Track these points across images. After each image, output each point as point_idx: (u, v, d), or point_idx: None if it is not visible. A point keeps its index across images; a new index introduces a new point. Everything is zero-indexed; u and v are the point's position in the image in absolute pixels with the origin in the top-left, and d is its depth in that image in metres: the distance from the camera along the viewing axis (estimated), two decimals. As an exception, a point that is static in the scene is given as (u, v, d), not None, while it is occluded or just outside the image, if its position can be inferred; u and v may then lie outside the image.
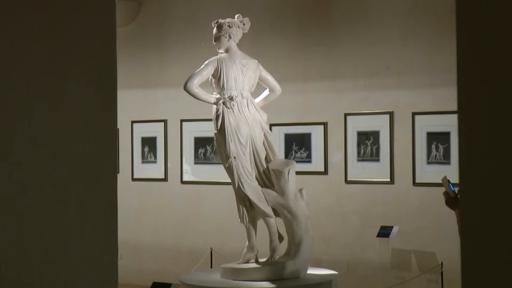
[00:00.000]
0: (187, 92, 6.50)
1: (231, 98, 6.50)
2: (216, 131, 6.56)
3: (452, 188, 4.27)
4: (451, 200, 4.27)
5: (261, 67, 6.79)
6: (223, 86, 6.54)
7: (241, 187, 6.43)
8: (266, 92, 6.91)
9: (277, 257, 6.55)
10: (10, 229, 1.68)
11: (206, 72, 6.55)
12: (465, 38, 1.56)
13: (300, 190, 6.60)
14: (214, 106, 6.57)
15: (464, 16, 1.56)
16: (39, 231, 1.74)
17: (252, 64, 6.73)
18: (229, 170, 6.47)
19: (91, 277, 1.85)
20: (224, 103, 6.50)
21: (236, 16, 6.76)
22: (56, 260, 1.78)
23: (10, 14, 1.68)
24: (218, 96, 6.56)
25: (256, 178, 6.56)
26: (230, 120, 6.48)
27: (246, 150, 6.50)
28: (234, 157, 6.43)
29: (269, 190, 6.51)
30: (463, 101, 1.57)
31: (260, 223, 6.68)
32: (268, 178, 6.60)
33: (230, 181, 6.68)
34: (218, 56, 6.67)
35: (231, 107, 6.49)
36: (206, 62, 6.60)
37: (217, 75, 6.57)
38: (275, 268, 6.42)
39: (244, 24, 6.76)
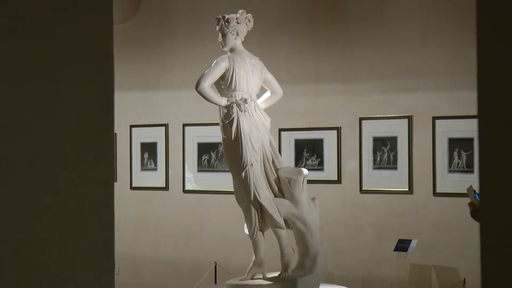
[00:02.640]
0: (199, 93, 6.37)
1: (244, 101, 6.44)
2: (225, 137, 6.49)
3: (478, 199, 4.27)
4: (477, 212, 4.26)
5: (265, 68, 6.77)
6: (235, 87, 6.48)
7: (257, 197, 6.40)
8: (268, 94, 6.87)
9: (290, 271, 6.55)
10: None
11: (218, 71, 6.43)
12: (486, 35, 1.55)
13: (313, 199, 6.61)
14: (223, 110, 6.49)
15: (485, 12, 1.56)
16: (29, 244, 1.73)
17: (260, 65, 6.71)
18: (244, 180, 6.42)
19: (86, 293, 1.85)
20: (238, 105, 6.42)
21: (240, 12, 6.72)
22: (47, 276, 1.78)
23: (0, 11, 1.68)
24: (227, 98, 6.48)
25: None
26: (244, 125, 6.42)
27: (258, 157, 6.47)
28: (252, 165, 6.39)
29: (281, 200, 6.50)
30: (484, 104, 1.57)
31: (266, 235, 6.67)
32: (278, 186, 6.58)
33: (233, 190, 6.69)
34: (228, 54, 6.59)
35: (245, 110, 6.43)
36: (216, 60, 6.50)
37: (228, 76, 6.46)
38: (289, 284, 6.41)
39: (249, 21, 6.74)
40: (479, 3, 1.56)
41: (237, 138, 6.38)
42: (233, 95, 6.47)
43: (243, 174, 6.38)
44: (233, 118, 6.40)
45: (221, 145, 8.46)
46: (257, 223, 6.48)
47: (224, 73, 6.47)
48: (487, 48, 1.56)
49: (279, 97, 6.89)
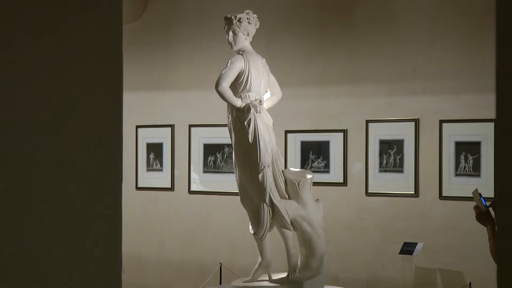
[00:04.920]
0: (219, 93, 6.29)
1: (259, 102, 6.40)
2: (238, 138, 6.43)
3: (484, 202, 4.26)
4: (482, 215, 4.26)
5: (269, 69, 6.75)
6: (249, 88, 6.44)
7: (272, 198, 6.38)
8: (268, 95, 6.84)
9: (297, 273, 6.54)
10: (3, 240, 1.67)
11: (235, 71, 6.35)
12: (506, 36, 1.54)
13: (317, 201, 6.61)
14: (236, 111, 6.42)
15: (506, 11, 1.54)
16: (36, 244, 1.73)
17: (267, 66, 6.69)
18: (260, 182, 6.38)
19: (92, 293, 1.85)
20: (254, 107, 6.38)
21: (246, 12, 6.67)
22: (54, 275, 1.77)
23: (8, 10, 1.68)
24: (241, 99, 6.41)
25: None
26: (260, 126, 6.39)
27: (269, 158, 6.45)
28: (268, 166, 6.37)
29: (289, 201, 6.50)
30: (502, 106, 1.55)
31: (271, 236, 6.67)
32: (285, 188, 6.57)
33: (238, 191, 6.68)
34: (242, 54, 6.52)
35: (260, 112, 6.38)
36: (231, 60, 6.43)
37: (243, 76, 6.40)
38: (297, 286, 6.41)
39: (257, 21, 6.71)
40: (499, 4, 1.54)
41: (254, 140, 6.34)
42: (247, 96, 6.42)
43: (260, 176, 6.34)
44: (250, 119, 6.34)
45: (227, 146, 8.47)
46: (268, 225, 6.46)
47: (239, 73, 6.42)
48: (506, 50, 1.54)
49: (279, 99, 6.88)
